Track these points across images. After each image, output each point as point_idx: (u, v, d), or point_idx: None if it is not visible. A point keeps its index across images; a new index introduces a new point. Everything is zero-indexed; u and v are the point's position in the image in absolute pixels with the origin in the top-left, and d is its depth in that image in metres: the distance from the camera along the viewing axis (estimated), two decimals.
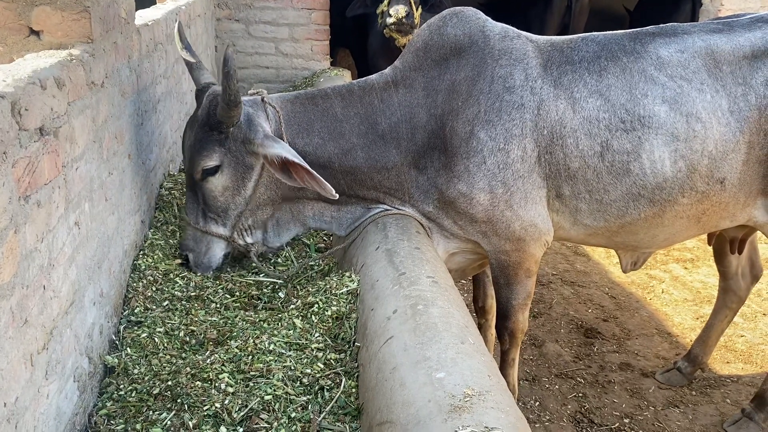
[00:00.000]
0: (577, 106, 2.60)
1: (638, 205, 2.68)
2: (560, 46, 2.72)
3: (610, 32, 2.79)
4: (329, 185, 2.45)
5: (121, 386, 2.05)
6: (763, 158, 2.73)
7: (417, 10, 4.98)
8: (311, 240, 3.01)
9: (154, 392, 2.00)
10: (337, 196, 2.47)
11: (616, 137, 2.60)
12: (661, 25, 2.81)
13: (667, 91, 2.62)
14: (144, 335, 2.26)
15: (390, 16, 4.82)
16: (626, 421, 3.35)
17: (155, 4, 4.36)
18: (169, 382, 2.02)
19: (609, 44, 2.70)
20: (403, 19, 4.78)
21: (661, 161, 2.61)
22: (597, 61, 2.65)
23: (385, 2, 4.95)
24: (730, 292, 3.54)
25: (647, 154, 2.61)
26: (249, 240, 2.71)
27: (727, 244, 3.35)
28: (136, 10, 3.20)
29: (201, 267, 2.69)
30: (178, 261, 2.70)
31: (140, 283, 2.50)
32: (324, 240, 3.03)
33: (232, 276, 2.69)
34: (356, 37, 5.65)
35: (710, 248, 3.54)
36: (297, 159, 2.45)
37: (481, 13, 2.79)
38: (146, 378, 2.07)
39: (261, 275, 2.68)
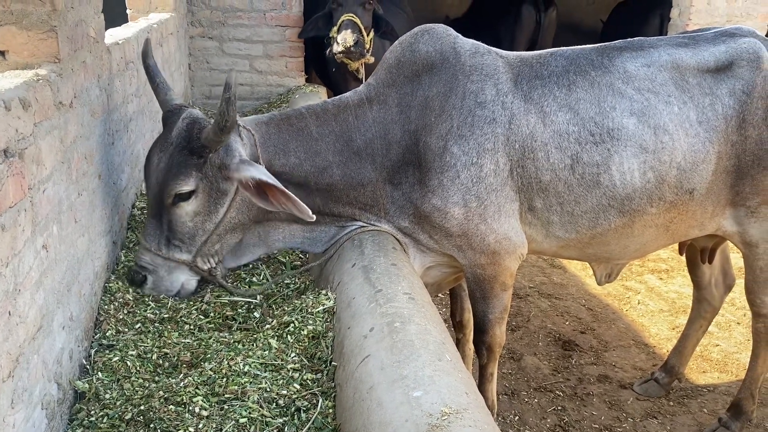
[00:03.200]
0: (548, 120, 2.63)
1: (608, 215, 2.71)
2: (530, 61, 2.76)
3: (579, 47, 2.83)
4: (306, 207, 2.43)
5: (92, 412, 2.00)
6: (730, 168, 2.78)
7: (368, 35, 4.95)
8: (287, 258, 2.98)
9: (126, 417, 1.96)
10: (314, 218, 2.46)
11: (585, 150, 2.63)
12: (628, 39, 2.86)
13: (635, 104, 2.66)
14: (116, 359, 2.21)
15: (338, 43, 4.80)
16: None
17: (127, 22, 4.33)
18: (142, 407, 1.98)
19: (577, 59, 2.74)
20: (351, 48, 4.74)
21: (630, 173, 2.65)
22: (566, 76, 2.69)
23: (335, 28, 4.90)
24: (704, 302, 3.59)
25: (616, 166, 2.64)
26: (213, 264, 2.62)
27: (698, 254, 3.40)
28: (107, 28, 3.18)
29: (159, 291, 2.57)
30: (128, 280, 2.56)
31: (112, 306, 2.45)
32: (300, 258, 3.00)
33: (206, 297, 2.65)
34: (315, 57, 5.66)
35: (684, 259, 3.58)
36: (273, 181, 2.43)
37: (451, 29, 2.82)
38: (118, 403, 2.02)
39: (235, 296, 2.64)
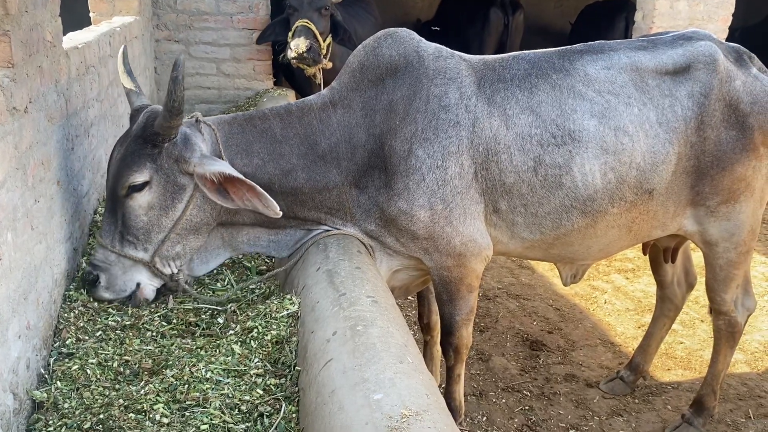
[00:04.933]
0: (510, 123, 2.66)
1: (571, 216, 2.74)
2: (492, 64, 2.78)
3: (541, 50, 2.87)
4: (273, 201, 2.41)
5: (50, 422, 1.97)
6: (690, 169, 2.84)
7: (325, 41, 4.95)
8: (252, 263, 2.96)
9: (86, 426, 1.93)
10: (281, 213, 2.43)
11: (547, 152, 2.66)
12: (589, 42, 2.90)
13: (596, 106, 2.70)
14: (75, 367, 2.18)
15: (291, 49, 4.79)
16: (572, 431, 3.39)
17: (90, 25, 4.27)
18: (101, 416, 1.95)
19: (539, 62, 2.77)
20: (304, 54, 4.74)
21: (592, 174, 2.69)
22: (528, 79, 2.72)
23: (291, 33, 4.89)
24: (667, 301, 3.65)
25: (578, 168, 2.67)
26: (174, 269, 2.56)
27: (661, 254, 3.46)
28: (69, 32, 3.14)
29: (114, 291, 2.50)
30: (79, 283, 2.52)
31: (72, 314, 2.41)
32: (265, 263, 2.99)
33: (170, 303, 2.62)
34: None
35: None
36: (238, 175, 2.41)
37: (414, 33, 2.83)
38: (77, 412, 1.99)
39: (201, 303, 2.61)
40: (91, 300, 2.51)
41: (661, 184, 2.79)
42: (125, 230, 2.49)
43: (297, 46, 4.72)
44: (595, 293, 4.90)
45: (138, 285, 2.53)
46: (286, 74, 6.01)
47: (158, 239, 2.50)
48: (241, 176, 2.41)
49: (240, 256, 2.95)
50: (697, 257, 3.55)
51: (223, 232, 2.66)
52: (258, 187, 2.40)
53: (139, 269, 2.52)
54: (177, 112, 2.35)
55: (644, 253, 3.54)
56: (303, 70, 5.03)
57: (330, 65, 5.01)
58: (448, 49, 2.82)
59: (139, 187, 2.44)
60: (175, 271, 2.58)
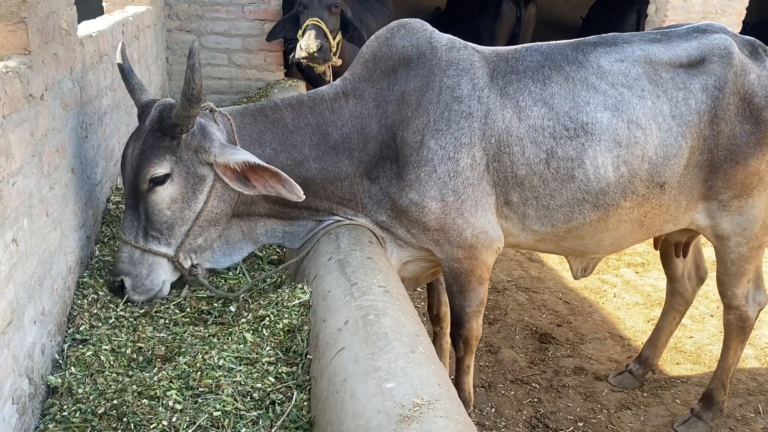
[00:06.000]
0: (523, 115, 2.65)
1: (583, 209, 2.74)
2: (505, 56, 2.77)
3: (554, 42, 2.85)
4: (296, 185, 2.40)
5: (65, 407, 1.99)
6: (703, 163, 2.82)
7: (335, 39, 4.91)
8: (263, 252, 2.97)
9: (99, 412, 1.94)
10: (304, 197, 2.43)
11: (560, 144, 2.65)
12: (602, 34, 2.89)
13: (609, 98, 2.69)
14: (89, 353, 2.20)
15: (301, 49, 4.76)
16: (580, 424, 3.40)
17: (103, 14, 4.28)
18: (115, 401, 1.96)
19: (552, 54, 2.76)
20: (315, 54, 4.71)
21: (604, 167, 2.68)
22: (541, 71, 2.71)
23: (300, 31, 4.85)
24: (678, 295, 3.64)
25: (590, 161, 2.67)
26: (195, 261, 2.56)
27: (672, 248, 3.45)
28: (82, 20, 3.15)
29: (141, 292, 2.48)
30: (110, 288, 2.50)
31: (85, 300, 2.43)
32: (276, 252, 3.00)
33: (184, 292, 2.63)
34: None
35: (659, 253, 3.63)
36: (263, 163, 2.41)
37: (427, 24, 2.82)
38: (91, 397, 2.01)
39: (216, 294, 2.60)
40: (106, 290, 2.52)
41: (673, 177, 2.78)
42: (149, 225, 2.47)
43: (308, 46, 4.70)
44: (605, 287, 4.89)
45: (164, 283, 2.52)
46: (298, 65, 6.01)
47: (182, 232, 2.49)
48: (265, 164, 2.40)
49: (259, 248, 2.95)
50: (708, 252, 3.53)
51: (242, 225, 2.66)
52: (282, 172, 2.39)
53: (162, 265, 2.50)
54: (196, 100, 2.33)
55: (655, 248, 3.53)
56: (313, 68, 5.01)
57: (340, 62, 5.00)
58: (461, 40, 2.81)
59: (161, 180, 2.42)
60: (197, 263, 2.57)
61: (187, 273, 2.56)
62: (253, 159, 2.40)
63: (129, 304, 2.49)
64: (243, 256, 2.73)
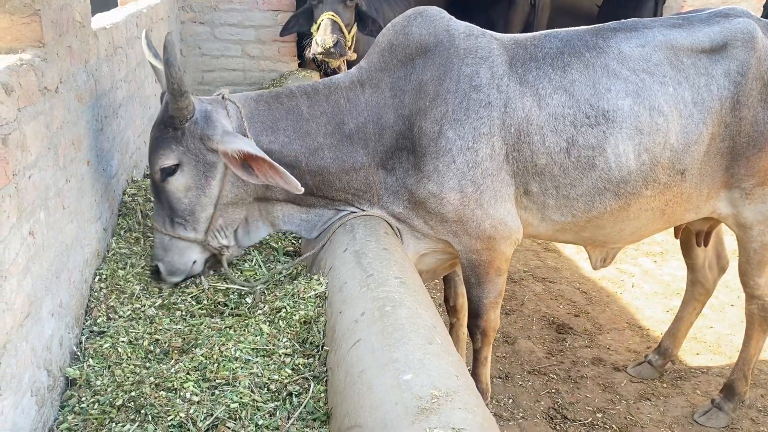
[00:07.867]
0: (543, 103, 2.61)
1: (604, 198, 2.69)
2: (524, 43, 2.72)
3: (573, 28, 2.80)
4: (293, 178, 2.40)
5: (83, 398, 2.00)
6: (725, 150, 2.77)
7: (350, 33, 4.84)
8: (279, 243, 2.96)
9: (117, 403, 1.95)
10: (303, 189, 2.43)
11: (581, 132, 2.61)
12: (622, 20, 2.83)
13: (630, 85, 2.63)
14: (107, 345, 2.20)
15: (317, 44, 4.69)
16: (599, 415, 3.37)
17: (117, 6, 4.28)
18: (133, 393, 1.97)
19: (572, 40, 2.71)
20: (331, 49, 4.64)
21: (626, 155, 2.63)
22: (560, 57, 2.66)
23: (315, 26, 4.77)
24: (698, 285, 3.59)
25: (612, 149, 2.62)
26: (223, 242, 2.62)
27: (693, 237, 3.39)
28: (96, 13, 3.14)
29: (176, 274, 2.56)
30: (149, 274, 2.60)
31: (102, 293, 2.44)
32: (292, 243, 2.99)
33: (204, 284, 2.62)
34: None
35: (678, 242, 3.58)
36: (259, 152, 2.40)
37: (444, 12, 2.78)
38: (109, 389, 2.01)
39: (234, 285, 2.60)
40: (124, 281, 2.53)
41: (693, 165, 2.72)
42: (172, 213, 2.54)
43: (324, 41, 4.63)
44: (623, 276, 4.84)
45: (194, 262, 2.60)
46: (313, 58, 5.97)
47: (204, 217, 2.55)
48: (260, 153, 2.39)
49: (267, 236, 2.95)
50: (729, 241, 3.47)
51: (260, 206, 2.68)
52: (276, 164, 2.39)
53: (192, 248, 2.58)
54: (179, 93, 2.36)
55: (676, 237, 3.47)
56: (328, 63, 4.96)
57: (355, 56, 4.94)
58: (479, 27, 2.77)
59: (171, 171, 2.47)
60: (225, 243, 2.63)
61: (218, 252, 2.62)
62: (247, 147, 2.39)
63: (146, 296, 2.49)
64: (262, 237, 2.76)
